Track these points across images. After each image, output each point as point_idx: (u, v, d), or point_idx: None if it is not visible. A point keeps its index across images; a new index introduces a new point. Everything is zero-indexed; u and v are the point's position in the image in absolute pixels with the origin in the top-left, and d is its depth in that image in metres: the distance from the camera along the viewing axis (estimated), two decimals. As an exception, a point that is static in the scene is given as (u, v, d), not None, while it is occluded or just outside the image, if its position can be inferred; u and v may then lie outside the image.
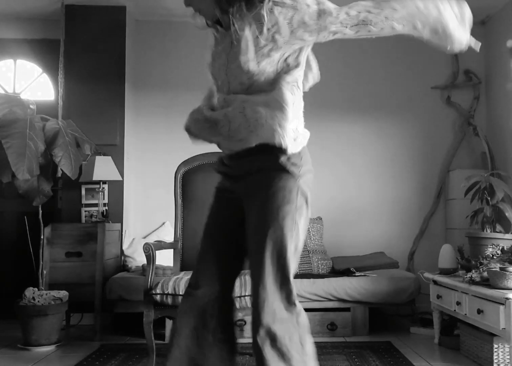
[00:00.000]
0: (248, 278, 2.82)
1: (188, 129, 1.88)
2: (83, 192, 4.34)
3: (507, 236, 3.45)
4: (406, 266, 4.66)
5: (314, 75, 2.00)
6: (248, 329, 3.66)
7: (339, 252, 4.60)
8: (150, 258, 2.89)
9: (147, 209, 4.67)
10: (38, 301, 3.49)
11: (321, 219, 4.37)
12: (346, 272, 3.99)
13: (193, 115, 1.88)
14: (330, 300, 3.78)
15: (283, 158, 1.70)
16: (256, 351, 1.65)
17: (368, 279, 3.81)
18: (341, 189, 4.76)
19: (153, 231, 4.57)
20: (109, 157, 4.18)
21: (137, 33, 4.78)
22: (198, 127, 1.84)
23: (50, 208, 4.30)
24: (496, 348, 2.95)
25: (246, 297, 2.74)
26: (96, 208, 4.27)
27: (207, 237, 1.87)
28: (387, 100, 4.82)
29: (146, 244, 2.92)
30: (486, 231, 3.54)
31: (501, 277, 2.87)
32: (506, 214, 3.47)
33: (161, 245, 3.14)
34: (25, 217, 3.93)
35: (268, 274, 1.65)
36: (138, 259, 4.12)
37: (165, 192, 4.37)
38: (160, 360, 3.17)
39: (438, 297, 3.52)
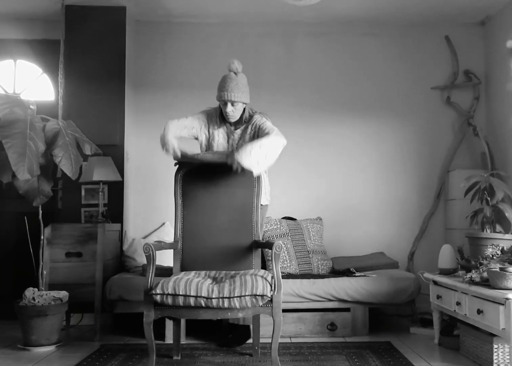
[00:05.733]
0: (248, 278, 2.82)
1: None
2: (83, 192, 4.34)
3: (507, 236, 3.45)
4: (406, 266, 4.66)
5: None
6: (248, 329, 3.66)
7: (339, 252, 4.60)
8: (150, 258, 2.89)
9: (147, 209, 4.66)
10: (38, 302, 3.49)
11: (321, 219, 4.37)
12: (346, 272, 3.99)
13: None
14: (330, 300, 3.78)
15: None
16: None
17: (368, 279, 3.82)
18: (341, 189, 4.76)
19: (153, 231, 4.57)
20: (109, 158, 4.18)
21: (137, 34, 4.79)
22: None
23: (50, 208, 4.31)
24: (496, 348, 2.95)
25: (246, 297, 2.74)
26: (96, 208, 4.27)
27: None
28: (387, 101, 4.82)
29: (146, 244, 2.91)
30: (486, 231, 3.54)
31: (501, 277, 2.87)
32: (506, 214, 3.47)
33: (161, 245, 3.14)
34: (25, 217, 3.93)
35: None
36: (138, 259, 4.12)
37: (165, 192, 4.38)
38: (160, 360, 3.17)
39: (438, 297, 3.52)
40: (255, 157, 2.98)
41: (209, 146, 3.42)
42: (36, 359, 3.29)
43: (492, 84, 4.71)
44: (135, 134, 4.72)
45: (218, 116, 3.41)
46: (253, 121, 3.37)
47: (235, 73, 3.29)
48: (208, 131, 3.42)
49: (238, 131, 3.40)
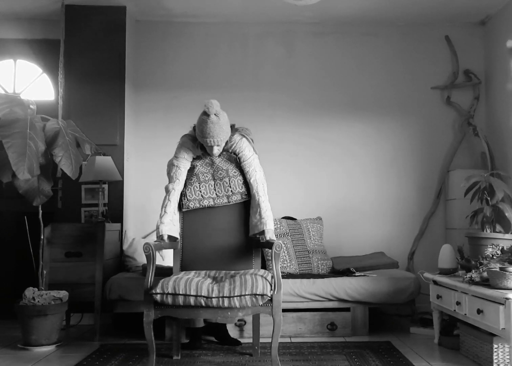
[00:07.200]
0: (248, 278, 2.82)
1: None
2: (83, 191, 4.34)
3: (507, 236, 3.45)
4: (406, 266, 4.66)
5: None
6: (248, 329, 3.66)
7: (339, 252, 4.61)
8: (150, 257, 2.89)
9: (147, 209, 4.66)
10: (38, 301, 3.49)
11: (321, 219, 4.37)
12: (346, 272, 3.99)
13: None
14: (330, 300, 3.78)
15: None
16: None
17: (368, 279, 3.82)
18: (341, 189, 4.76)
19: (153, 231, 4.56)
20: (109, 157, 4.18)
21: (137, 33, 4.79)
22: None
23: (50, 208, 4.30)
24: (496, 348, 2.96)
25: (246, 296, 2.74)
26: (96, 208, 4.27)
27: None
28: (387, 101, 4.83)
29: (146, 243, 2.92)
30: (486, 231, 3.54)
31: (501, 277, 2.88)
32: (506, 214, 3.47)
33: (161, 245, 3.14)
34: (25, 217, 3.93)
35: None
36: (138, 259, 4.12)
37: (165, 192, 4.37)
38: (160, 360, 3.17)
39: (438, 297, 3.52)
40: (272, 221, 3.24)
41: (194, 175, 3.38)
42: (36, 358, 3.29)
43: (492, 84, 4.71)
44: (135, 133, 4.73)
45: (200, 149, 3.34)
46: (232, 145, 3.31)
47: (215, 115, 3.12)
48: (192, 162, 3.40)
49: (220, 157, 3.38)
